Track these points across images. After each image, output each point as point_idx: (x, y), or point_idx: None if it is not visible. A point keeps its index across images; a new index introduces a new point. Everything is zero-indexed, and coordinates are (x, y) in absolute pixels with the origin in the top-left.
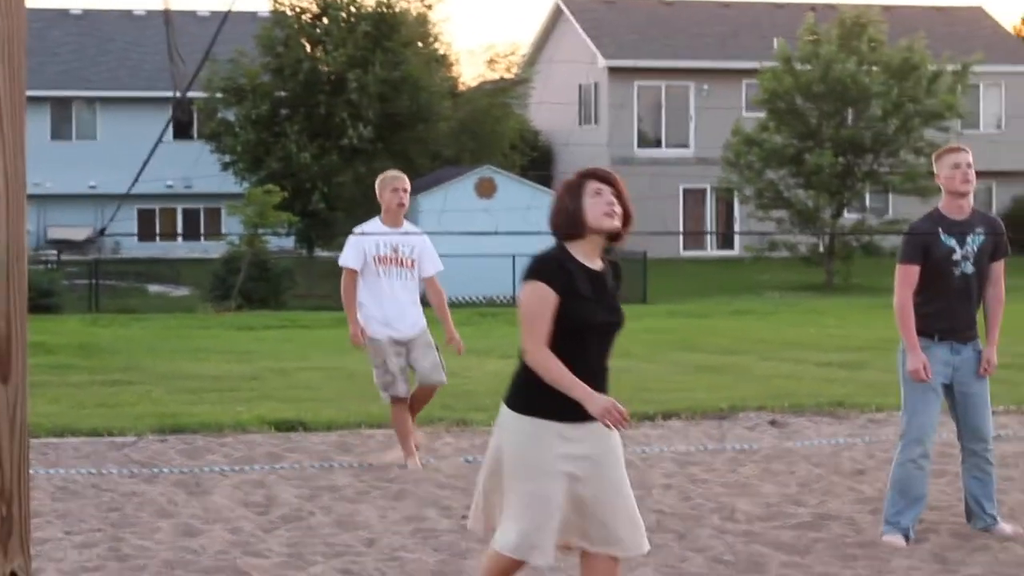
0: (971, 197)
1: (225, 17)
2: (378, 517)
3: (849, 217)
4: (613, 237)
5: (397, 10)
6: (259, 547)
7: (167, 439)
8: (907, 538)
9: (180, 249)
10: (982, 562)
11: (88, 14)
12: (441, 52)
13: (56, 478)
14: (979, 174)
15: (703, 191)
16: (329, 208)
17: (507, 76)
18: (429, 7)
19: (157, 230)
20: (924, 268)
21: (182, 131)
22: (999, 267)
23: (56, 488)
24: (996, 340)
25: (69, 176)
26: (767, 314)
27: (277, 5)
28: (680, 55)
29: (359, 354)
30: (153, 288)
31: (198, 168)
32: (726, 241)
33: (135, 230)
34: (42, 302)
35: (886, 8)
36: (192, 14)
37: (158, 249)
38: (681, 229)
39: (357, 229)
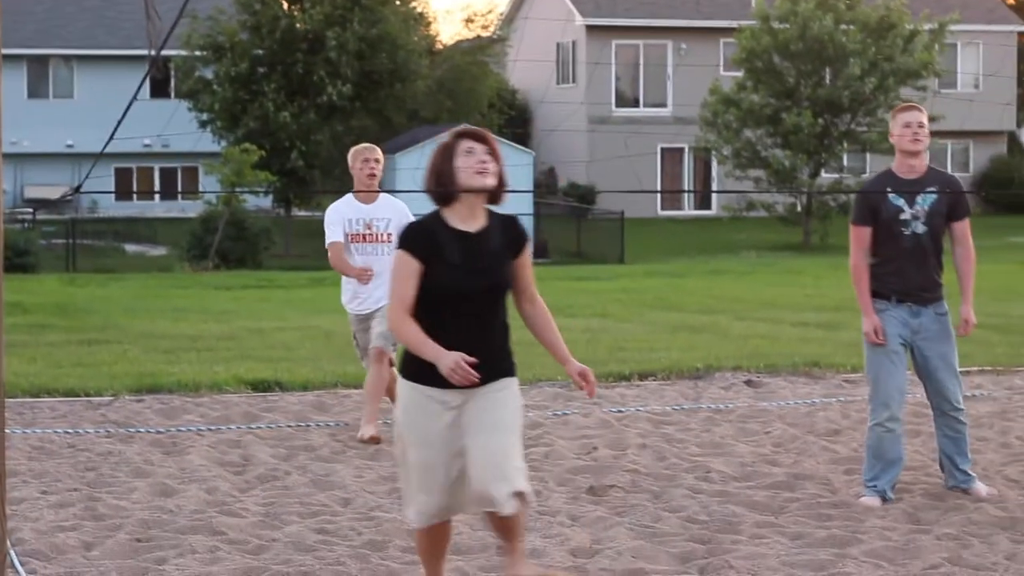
0: (925, 156)
1: None
2: (354, 477)
3: (827, 177)
4: (492, 197)
5: None
6: (235, 506)
7: (144, 399)
8: (884, 500)
9: (157, 208)
10: (955, 522)
11: None
12: (419, 10)
13: (32, 438)
14: (956, 133)
15: (681, 150)
16: (307, 166)
17: (484, 35)
18: None
19: (134, 189)
20: (875, 229)
21: (159, 89)
22: (962, 226)
23: (32, 448)
24: (970, 298)
25: (46, 135)
26: (744, 274)
27: None
28: (658, 14)
29: (336, 315)
30: (130, 247)
31: (175, 126)
32: (704, 201)
33: (112, 189)
34: (19, 261)
35: None
36: None
37: (135, 208)
38: (659, 188)
39: (331, 208)
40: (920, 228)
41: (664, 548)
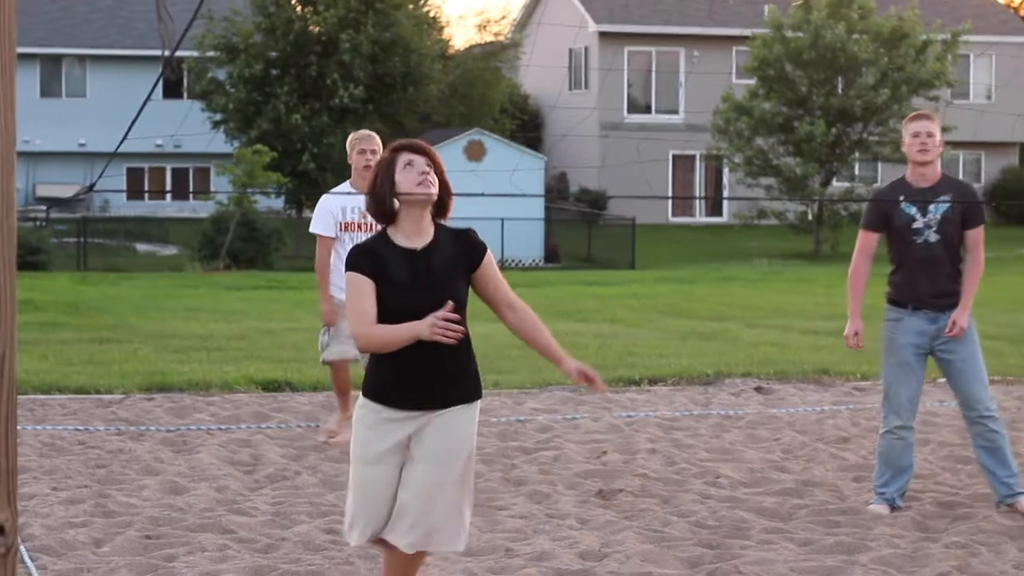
0: (937, 165)
1: None
2: None
3: (838, 185)
4: (439, 210)
5: None
6: (244, 505)
7: (154, 397)
8: (893, 507)
9: (169, 208)
10: (964, 530)
11: None
12: (432, 15)
13: (43, 434)
14: (968, 144)
15: (692, 158)
16: (319, 169)
17: (497, 40)
18: None
19: (146, 188)
20: (889, 237)
21: (172, 90)
22: (975, 234)
23: (43, 444)
24: (968, 304)
25: (58, 134)
26: (755, 281)
27: None
28: (671, 21)
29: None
30: (141, 247)
31: (188, 127)
32: (715, 208)
33: (124, 188)
34: (30, 259)
35: None
36: None
37: (147, 208)
38: (670, 195)
39: (325, 196)
40: (933, 237)
41: (673, 553)
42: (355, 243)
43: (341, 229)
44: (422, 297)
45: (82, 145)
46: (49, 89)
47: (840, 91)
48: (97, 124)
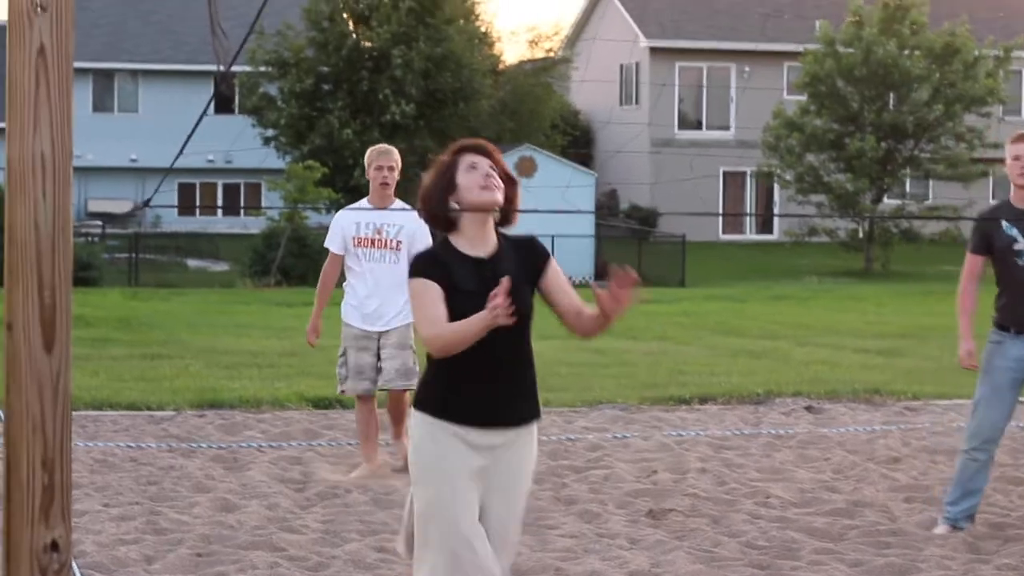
0: None
1: None
2: None
3: (889, 203)
4: (503, 218)
5: None
6: (295, 523)
7: (205, 414)
8: (955, 528)
9: (220, 224)
10: (1016, 552)
11: None
12: (483, 30)
13: (95, 451)
14: None
15: (743, 174)
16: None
17: (549, 55)
18: None
19: (197, 204)
20: (992, 259)
21: (224, 105)
22: None
23: (95, 461)
24: None
25: (110, 149)
26: (805, 299)
27: None
28: (722, 36)
29: None
30: (192, 263)
31: (239, 142)
32: (765, 225)
33: (175, 204)
34: (82, 275)
35: None
36: None
37: (198, 223)
38: (720, 212)
39: (342, 211)
40: None
41: (723, 573)
42: (369, 260)
43: (354, 245)
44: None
45: (134, 160)
46: (101, 104)
47: (892, 107)
48: (149, 139)
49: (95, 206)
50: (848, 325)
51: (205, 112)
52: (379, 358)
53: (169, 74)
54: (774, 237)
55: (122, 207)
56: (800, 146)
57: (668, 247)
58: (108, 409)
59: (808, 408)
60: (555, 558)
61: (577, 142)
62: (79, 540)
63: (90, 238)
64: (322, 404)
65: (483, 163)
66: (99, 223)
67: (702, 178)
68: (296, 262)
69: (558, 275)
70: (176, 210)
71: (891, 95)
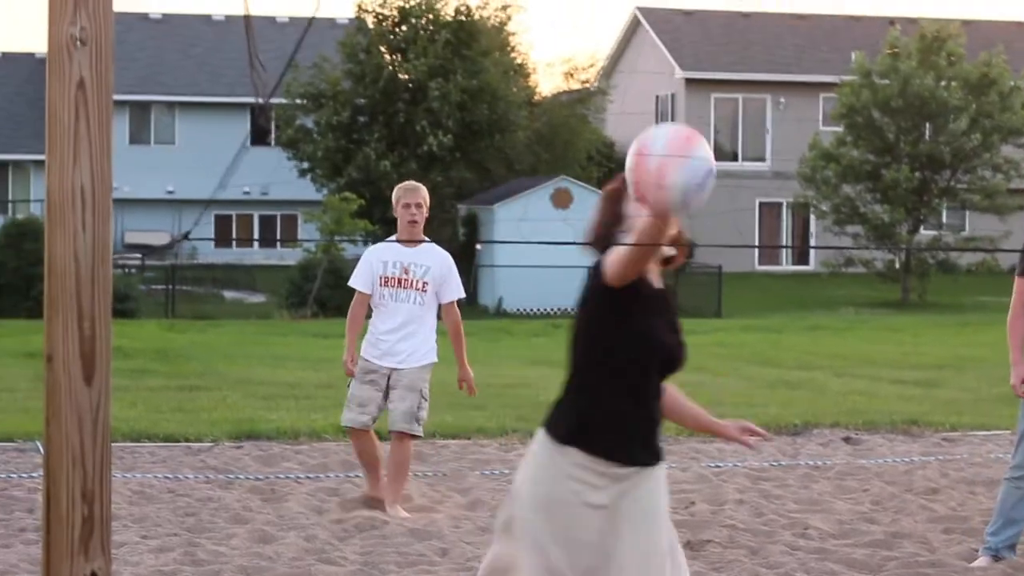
0: None
1: (309, 23)
2: (451, 527)
3: (925, 233)
4: (666, 259)
5: (476, 18)
6: (333, 555)
7: (243, 445)
8: (996, 558)
9: (256, 255)
10: None
11: (168, 18)
12: (519, 62)
13: (133, 482)
14: None
15: (779, 205)
16: None
17: (584, 87)
18: (508, 17)
19: (234, 236)
20: None
21: (260, 138)
22: None
23: (133, 492)
24: None
25: (147, 181)
26: (842, 330)
27: (361, 12)
28: (757, 68)
29: (436, 364)
30: (229, 294)
31: (275, 175)
32: (802, 256)
33: (212, 236)
34: (119, 307)
35: (966, 23)
36: (271, 20)
37: (234, 255)
38: (757, 243)
39: (370, 248)
40: None
41: None
42: (395, 300)
43: (380, 284)
44: (674, 338)
45: (170, 192)
46: (138, 136)
47: (928, 137)
48: (185, 171)
49: (132, 238)
50: (885, 356)
51: (244, 145)
52: (387, 397)
53: (206, 106)
54: (810, 268)
55: (159, 239)
56: (836, 177)
57: (704, 278)
58: (146, 440)
59: (846, 439)
60: None
61: (612, 174)
62: (118, 572)
63: (127, 270)
64: None
65: None
66: (137, 255)
67: (738, 210)
68: (332, 293)
69: None
70: (213, 242)
71: (927, 125)
